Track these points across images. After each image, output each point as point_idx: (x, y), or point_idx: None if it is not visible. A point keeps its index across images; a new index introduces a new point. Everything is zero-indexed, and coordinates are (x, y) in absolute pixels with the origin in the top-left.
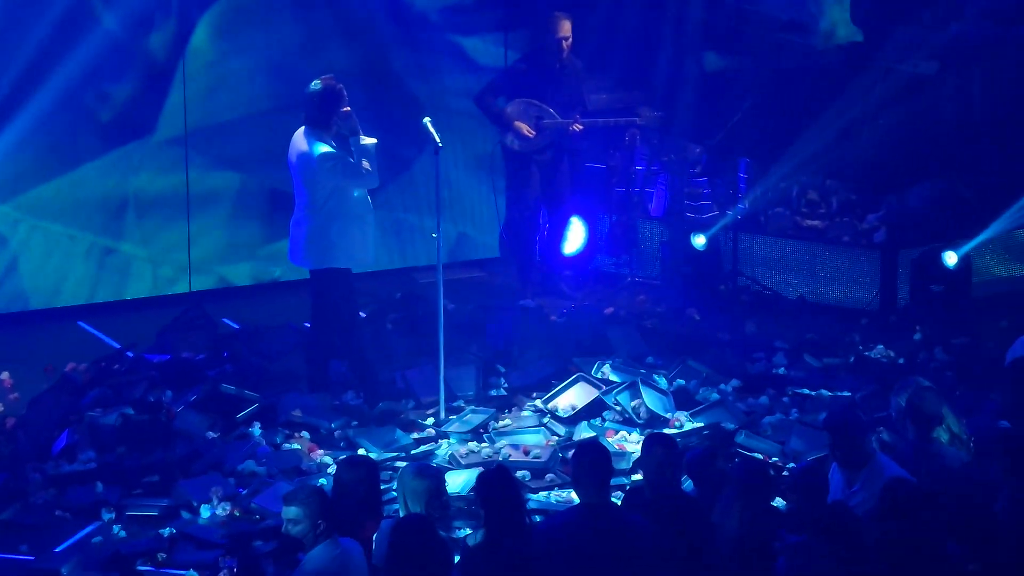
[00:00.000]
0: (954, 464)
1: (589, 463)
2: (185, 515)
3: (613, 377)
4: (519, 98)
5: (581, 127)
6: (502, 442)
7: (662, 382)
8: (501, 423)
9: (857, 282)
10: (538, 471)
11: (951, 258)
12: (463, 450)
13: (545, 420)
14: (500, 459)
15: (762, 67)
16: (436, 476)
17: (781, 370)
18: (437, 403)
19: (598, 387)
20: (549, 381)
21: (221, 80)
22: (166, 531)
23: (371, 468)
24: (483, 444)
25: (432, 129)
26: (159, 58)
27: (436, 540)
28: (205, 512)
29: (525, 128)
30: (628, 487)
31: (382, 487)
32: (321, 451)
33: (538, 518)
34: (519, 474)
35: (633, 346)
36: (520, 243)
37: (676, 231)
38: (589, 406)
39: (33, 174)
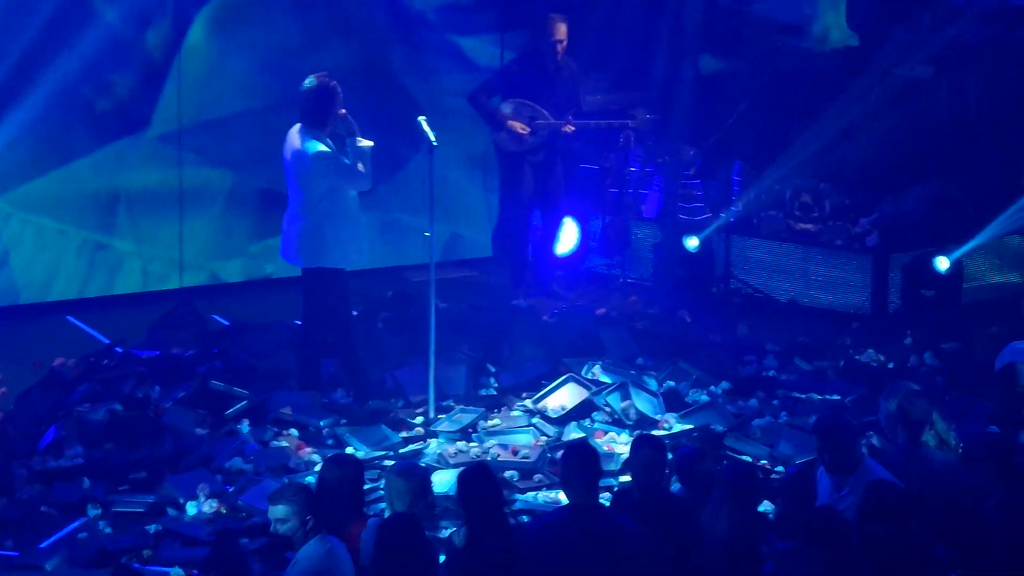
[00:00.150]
0: (943, 468)
1: (578, 464)
2: (172, 512)
3: (603, 378)
4: (513, 98)
5: (573, 128)
6: (491, 442)
7: (652, 384)
8: (490, 423)
9: (849, 286)
10: (526, 471)
11: (943, 263)
12: (452, 449)
13: (534, 420)
14: (489, 459)
15: (758, 70)
16: (422, 475)
17: (771, 373)
18: (426, 402)
19: (588, 388)
20: (539, 381)
21: (216, 76)
22: (152, 528)
23: (356, 467)
24: (472, 444)
25: (427, 128)
26: (154, 53)
27: (422, 540)
28: (192, 509)
29: (519, 126)
30: (616, 488)
31: (370, 486)
32: (309, 449)
33: (525, 518)
34: (507, 474)
35: (624, 347)
36: (513, 243)
37: (669, 233)
38: (579, 407)
39: (25, 169)
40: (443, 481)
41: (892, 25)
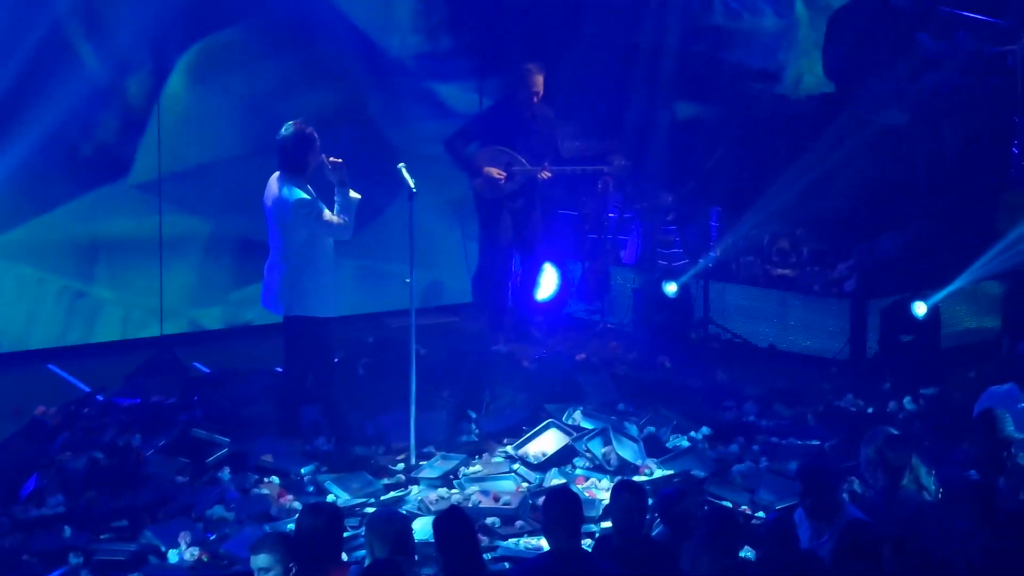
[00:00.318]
0: (924, 512)
1: (560, 510)
2: (153, 560)
3: (584, 424)
4: (490, 145)
5: (550, 174)
6: (472, 488)
7: (633, 429)
8: (472, 469)
9: (827, 331)
10: (508, 518)
11: (921, 308)
12: (433, 496)
13: (516, 466)
14: (470, 505)
15: (734, 116)
16: (403, 522)
17: (751, 418)
18: (408, 448)
19: (569, 434)
20: (520, 427)
21: (195, 124)
22: None
23: (333, 515)
24: (453, 490)
25: (407, 174)
26: (134, 101)
27: None
28: (173, 557)
29: (496, 172)
30: (597, 535)
31: (351, 533)
32: (290, 496)
33: (507, 565)
34: (489, 520)
35: (604, 393)
36: (492, 289)
37: (648, 278)
38: (560, 453)
39: (4, 216)
40: (424, 528)
41: (867, 72)
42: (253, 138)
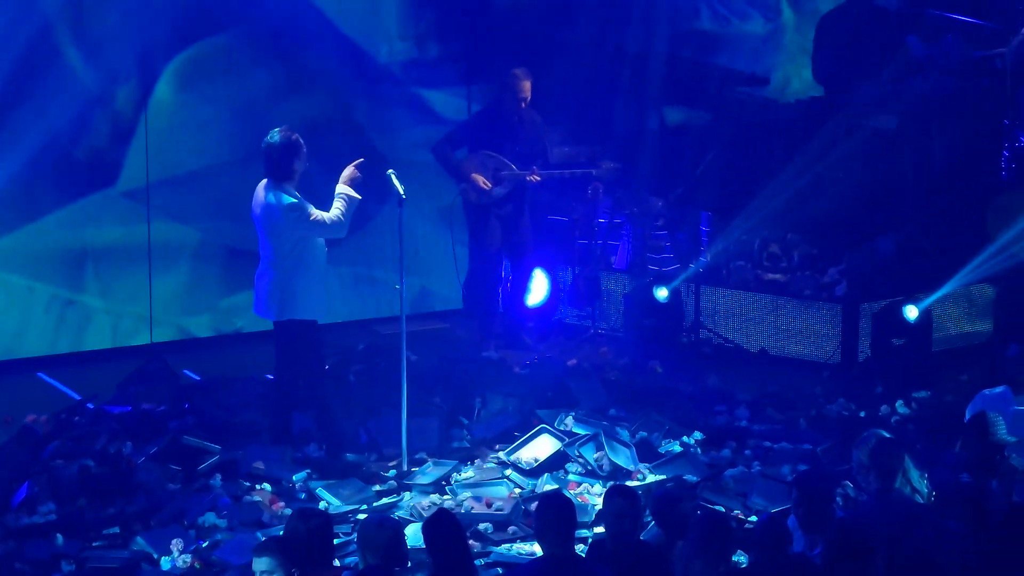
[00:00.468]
0: (917, 515)
1: (553, 515)
2: (146, 567)
3: (576, 429)
4: (478, 150)
5: (539, 178)
6: (465, 494)
7: (625, 434)
8: (464, 475)
9: (819, 335)
10: (501, 523)
11: (912, 312)
12: (425, 503)
13: (508, 472)
14: (463, 511)
15: (723, 121)
16: (395, 528)
17: (743, 423)
18: (399, 455)
19: (561, 439)
20: (512, 433)
21: (183, 131)
22: None
23: (323, 521)
24: (446, 496)
25: (396, 181)
26: (122, 109)
27: None
28: (166, 564)
29: (481, 180)
30: (591, 539)
31: (343, 539)
32: (282, 504)
33: (500, 571)
34: (482, 526)
35: (596, 398)
36: (482, 295)
37: (639, 283)
38: (552, 458)
39: None
40: (416, 534)
41: (857, 76)
42: (241, 145)
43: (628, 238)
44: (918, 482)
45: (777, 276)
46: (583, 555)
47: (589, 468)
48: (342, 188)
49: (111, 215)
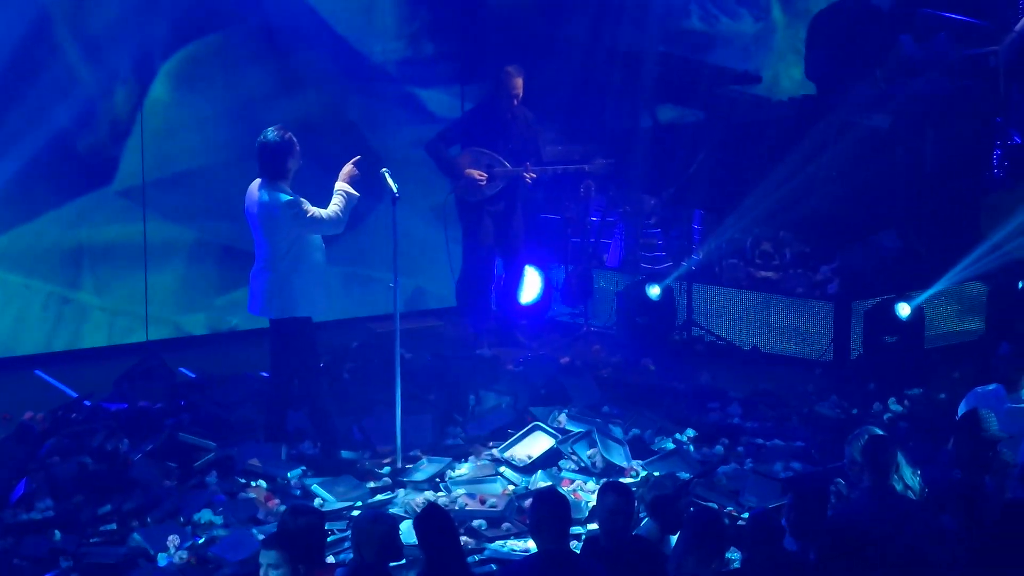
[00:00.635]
0: (910, 511)
1: (548, 512)
2: (142, 563)
3: (569, 426)
4: (471, 147)
5: (535, 175)
6: (459, 491)
7: (618, 431)
8: (458, 472)
9: (811, 333)
10: (495, 520)
11: (904, 310)
12: (419, 500)
13: (502, 469)
14: (457, 508)
15: (716, 119)
16: (390, 524)
17: (736, 420)
18: (393, 452)
19: (554, 436)
20: (505, 430)
21: (179, 130)
22: None
23: (316, 517)
24: (439, 493)
25: (390, 179)
26: (117, 108)
27: None
28: (162, 560)
29: (477, 173)
30: (584, 536)
31: (339, 536)
32: (277, 500)
33: (494, 567)
34: (475, 523)
35: (589, 395)
36: (475, 293)
37: (631, 281)
38: (546, 455)
39: None
40: (411, 531)
41: (850, 75)
42: (236, 144)
43: (621, 236)
44: (911, 479)
45: (769, 274)
46: (578, 551)
47: (582, 465)
48: (341, 185)
49: (107, 214)
